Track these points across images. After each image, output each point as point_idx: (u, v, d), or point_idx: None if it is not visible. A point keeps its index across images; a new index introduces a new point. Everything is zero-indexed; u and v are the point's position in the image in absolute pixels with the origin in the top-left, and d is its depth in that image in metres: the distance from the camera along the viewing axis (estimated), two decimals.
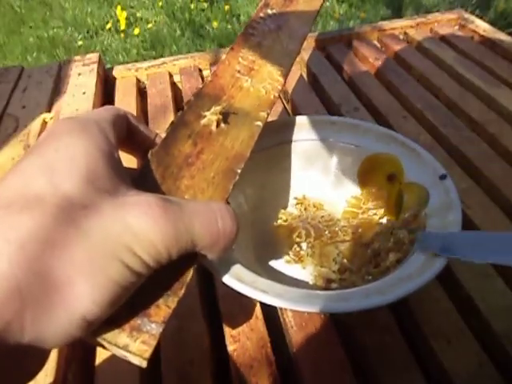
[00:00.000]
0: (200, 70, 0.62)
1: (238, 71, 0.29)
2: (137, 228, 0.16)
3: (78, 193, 0.16)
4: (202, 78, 0.61)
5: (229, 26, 1.81)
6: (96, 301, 0.15)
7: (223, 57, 0.30)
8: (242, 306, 0.31)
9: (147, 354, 0.17)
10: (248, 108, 0.27)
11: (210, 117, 0.25)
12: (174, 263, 0.18)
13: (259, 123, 0.27)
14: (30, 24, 2.01)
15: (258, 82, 0.29)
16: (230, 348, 0.29)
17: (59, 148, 0.18)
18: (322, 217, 0.36)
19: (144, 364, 0.17)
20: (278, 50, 0.32)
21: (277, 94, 0.29)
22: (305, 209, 0.37)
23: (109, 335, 0.17)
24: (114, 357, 0.18)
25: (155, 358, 0.29)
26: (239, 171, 0.24)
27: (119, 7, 1.94)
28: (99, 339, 0.17)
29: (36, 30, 1.97)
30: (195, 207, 0.18)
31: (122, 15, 1.88)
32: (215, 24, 1.83)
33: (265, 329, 0.30)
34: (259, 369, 0.28)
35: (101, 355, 0.29)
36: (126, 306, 0.17)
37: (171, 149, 0.23)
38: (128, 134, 0.23)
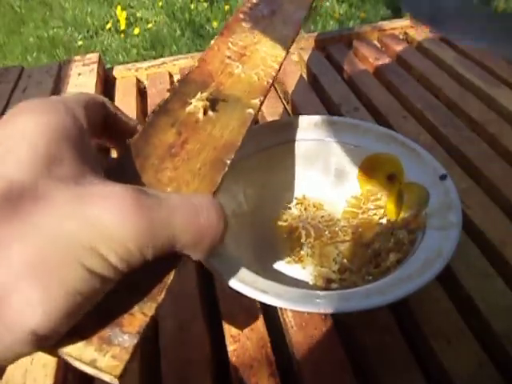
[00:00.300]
0: None
1: (228, 57, 0.27)
2: (103, 223, 0.14)
3: (28, 180, 0.14)
4: None
5: None
6: (49, 312, 0.13)
7: (212, 42, 0.28)
8: (242, 306, 0.31)
9: (118, 371, 0.14)
10: (239, 95, 0.25)
11: (197, 103, 0.23)
12: (153, 264, 0.16)
13: (251, 111, 0.24)
14: (30, 24, 2.01)
15: (250, 68, 0.27)
16: (230, 348, 0.29)
17: (12, 128, 0.15)
18: (322, 217, 0.36)
19: (116, 382, 0.15)
20: (271, 36, 0.30)
21: (271, 81, 0.27)
22: (305, 209, 0.37)
23: (72, 349, 0.15)
24: None
25: (155, 358, 0.29)
26: (229, 162, 0.21)
27: (119, 7, 1.94)
28: (61, 353, 0.15)
29: (36, 30, 1.97)
30: (176, 200, 0.16)
31: (122, 15, 1.88)
32: (215, 24, 1.83)
33: (265, 329, 0.30)
34: (259, 369, 0.28)
35: None
36: (93, 313, 0.15)
37: (152, 138, 0.21)
38: (106, 121, 0.20)
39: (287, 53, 0.29)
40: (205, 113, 0.23)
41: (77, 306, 0.13)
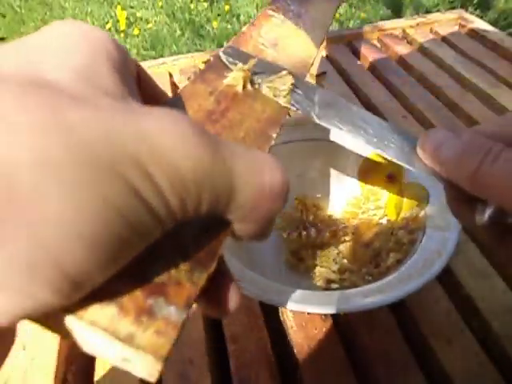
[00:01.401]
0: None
1: (262, 44, 0.26)
2: (157, 139, 0.11)
3: (67, 83, 0.11)
4: None
5: (229, 26, 1.81)
6: (86, 239, 0.10)
7: (242, 29, 0.26)
8: (242, 306, 0.31)
9: (164, 351, 0.11)
10: None
11: (236, 75, 0.21)
12: (201, 227, 0.14)
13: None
14: (30, 24, 2.01)
15: (285, 56, 0.25)
16: (230, 348, 0.29)
17: (51, 36, 0.13)
18: (323, 217, 0.36)
19: (157, 369, 0.11)
20: (302, 33, 0.28)
21: (311, 61, 0.25)
22: (305, 209, 0.37)
23: (100, 318, 0.11)
24: None
25: None
26: (274, 136, 0.19)
27: (119, 7, 1.94)
28: (77, 325, 0.11)
29: (36, 30, 1.97)
30: (238, 147, 0.13)
31: (122, 15, 1.88)
32: (215, 24, 1.83)
33: (265, 329, 0.30)
34: (259, 369, 0.28)
35: None
36: (128, 275, 0.12)
37: (190, 101, 0.19)
38: (139, 83, 0.17)
39: (318, 50, 0.28)
40: (244, 86, 0.21)
41: (119, 238, 0.10)
